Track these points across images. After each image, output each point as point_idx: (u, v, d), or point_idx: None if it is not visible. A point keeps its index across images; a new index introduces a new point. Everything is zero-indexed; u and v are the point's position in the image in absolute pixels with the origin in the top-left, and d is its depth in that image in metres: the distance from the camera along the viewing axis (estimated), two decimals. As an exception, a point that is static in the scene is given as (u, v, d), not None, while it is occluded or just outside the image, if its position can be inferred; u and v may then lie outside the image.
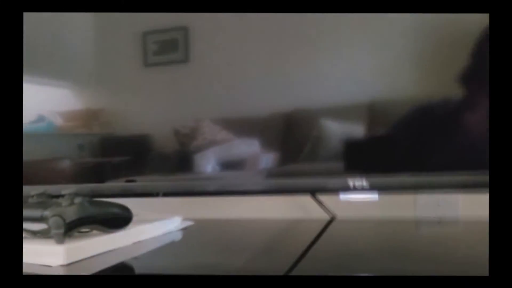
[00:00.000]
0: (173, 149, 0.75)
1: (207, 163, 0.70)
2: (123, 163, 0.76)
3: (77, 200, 0.50)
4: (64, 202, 0.49)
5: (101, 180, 0.77)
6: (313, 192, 0.76)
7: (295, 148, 0.70)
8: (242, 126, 0.70)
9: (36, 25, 0.81)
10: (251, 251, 0.60)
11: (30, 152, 0.80)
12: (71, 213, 0.49)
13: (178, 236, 0.67)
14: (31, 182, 0.77)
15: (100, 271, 0.46)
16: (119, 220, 0.54)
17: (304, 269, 0.48)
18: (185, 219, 0.75)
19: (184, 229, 0.70)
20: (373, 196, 0.73)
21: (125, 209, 0.55)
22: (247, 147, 0.69)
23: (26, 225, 0.52)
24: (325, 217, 0.79)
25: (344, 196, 0.74)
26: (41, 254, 0.48)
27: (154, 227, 0.62)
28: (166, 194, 0.74)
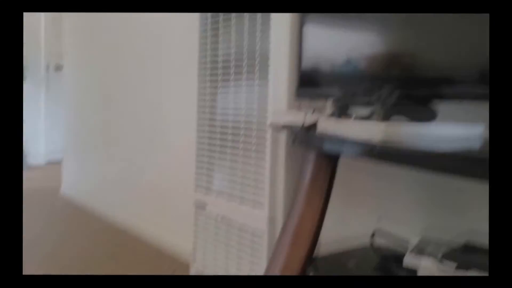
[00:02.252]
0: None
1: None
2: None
3: (393, 94, 0.67)
4: (384, 94, 0.68)
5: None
6: None
7: None
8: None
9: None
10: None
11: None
12: (388, 102, 0.67)
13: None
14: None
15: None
16: (423, 114, 0.68)
17: None
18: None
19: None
20: None
21: (429, 108, 0.69)
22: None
23: (358, 111, 0.73)
24: None
25: None
26: (366, 130, 0.67)
27: (456, 128, 0.71)
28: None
